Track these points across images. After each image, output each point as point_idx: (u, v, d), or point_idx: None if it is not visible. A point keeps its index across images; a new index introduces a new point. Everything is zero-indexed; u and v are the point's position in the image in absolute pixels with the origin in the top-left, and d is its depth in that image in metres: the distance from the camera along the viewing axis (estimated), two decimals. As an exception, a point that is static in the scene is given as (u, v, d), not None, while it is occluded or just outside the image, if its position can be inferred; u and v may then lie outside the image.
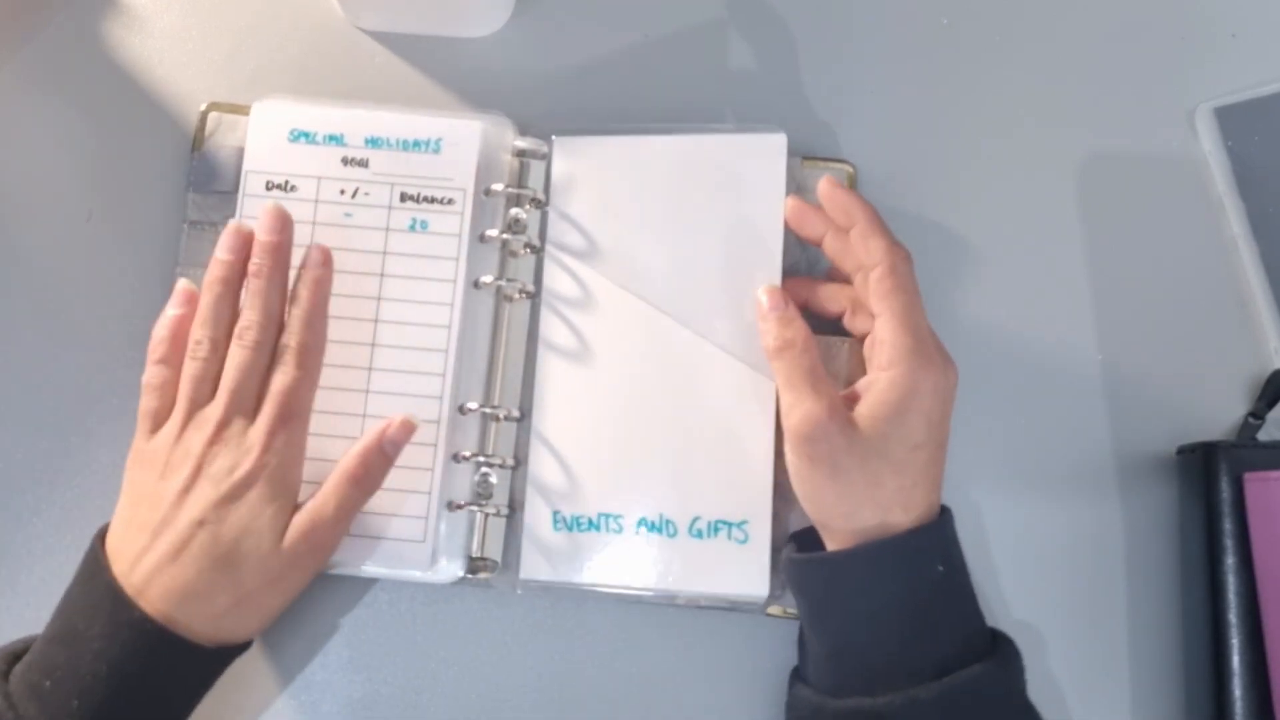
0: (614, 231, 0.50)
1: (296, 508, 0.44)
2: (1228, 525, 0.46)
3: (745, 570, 0.47)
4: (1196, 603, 0.47)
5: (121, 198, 0.52)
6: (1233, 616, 0.45)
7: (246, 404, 0.44)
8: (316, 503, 0.44)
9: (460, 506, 0.48)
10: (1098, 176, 0.52)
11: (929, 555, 0.42)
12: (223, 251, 0.46)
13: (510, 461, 0.49)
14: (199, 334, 0.45)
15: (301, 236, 0.49)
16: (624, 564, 0.47)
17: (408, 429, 0.46)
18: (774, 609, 0.48)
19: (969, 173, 0.53)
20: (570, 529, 0.48)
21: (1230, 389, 0.50)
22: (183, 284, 0.47)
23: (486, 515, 0.48)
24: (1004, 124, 0.53)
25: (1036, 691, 0.42)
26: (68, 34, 0.55)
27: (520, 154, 0.51)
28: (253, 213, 0.49)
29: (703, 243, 0.49)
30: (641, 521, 0.47)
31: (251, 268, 0.46)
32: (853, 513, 0.42)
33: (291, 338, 0.45)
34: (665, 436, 0.48)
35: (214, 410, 0.44)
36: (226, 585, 0.42)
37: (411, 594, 0.50)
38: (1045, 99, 0.53)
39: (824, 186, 0.47)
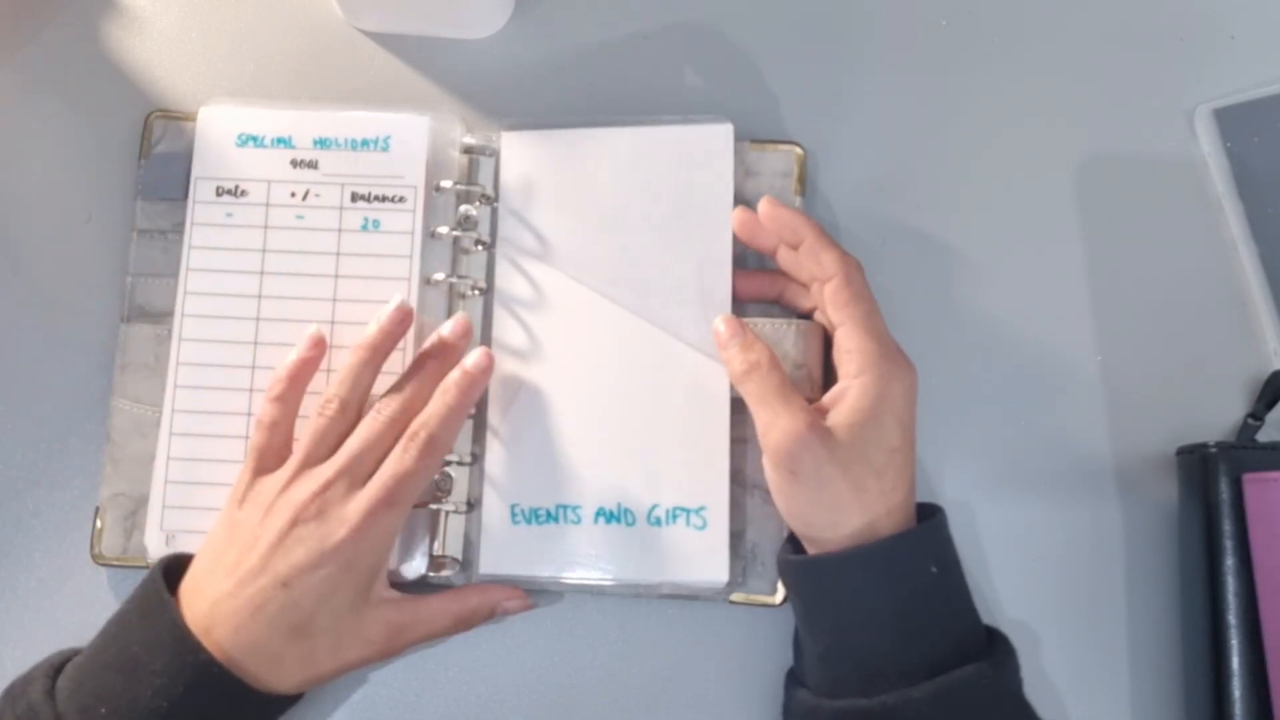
0: (564, 225, 0.50)
1: (396, 600, 0.45)
2: (1227, 526, 0.46)
3: (704, 557, 0.47)
4: (1196, 604, 0.47)
5: (121, 199, 0.52)
6: (1232, 617, 0.45)
7: (360, 474, 0.44)
8: (412, 610, 0.45)
9: (422, 504, 0.48)
10: (1096, 178, 0.52)
11: (922, 556, 0.42)
12: (388, 324, 0.46)
13: (468, 458, 0.49)
14: (335, 392, 0.45)
15: (253, 241, 0.50)
16: (583, 555, 0.47)
17: (523, 606, 0.48)
18: (737, 596, 0.48)
19: (968, 174, 0.53)
20: (529, 522, 0.47)
21: (1229, 390, 0.50)
22: (314, 330, 0.47)
23: (446, 512, 0.48)
24: (1003, 125, 0.53)
25: (1036, 692, 0.42)
26: (66, 35, 0.55)
27: (469, 150, 0.51)
28: (204, 219, 0.50)
29: (652, 234, 0.49)
30: (600, 512, 0.47)
31: (423, 351, 0.47)
32: (839, 521, 0.42)
33: (425, 427, 0.44)
34: (621, 426, 0.48)
35: (327, 470, 0.43)
36: (296, 653, 0.42)
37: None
38: (1044, 100, 0.53)
39: (764, 208, 0.47)
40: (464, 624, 0.46)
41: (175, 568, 0.44)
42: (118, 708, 0.40)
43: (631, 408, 0.48)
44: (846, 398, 0.43)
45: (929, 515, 0.44)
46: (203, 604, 0.42)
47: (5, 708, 0.42)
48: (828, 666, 0.43)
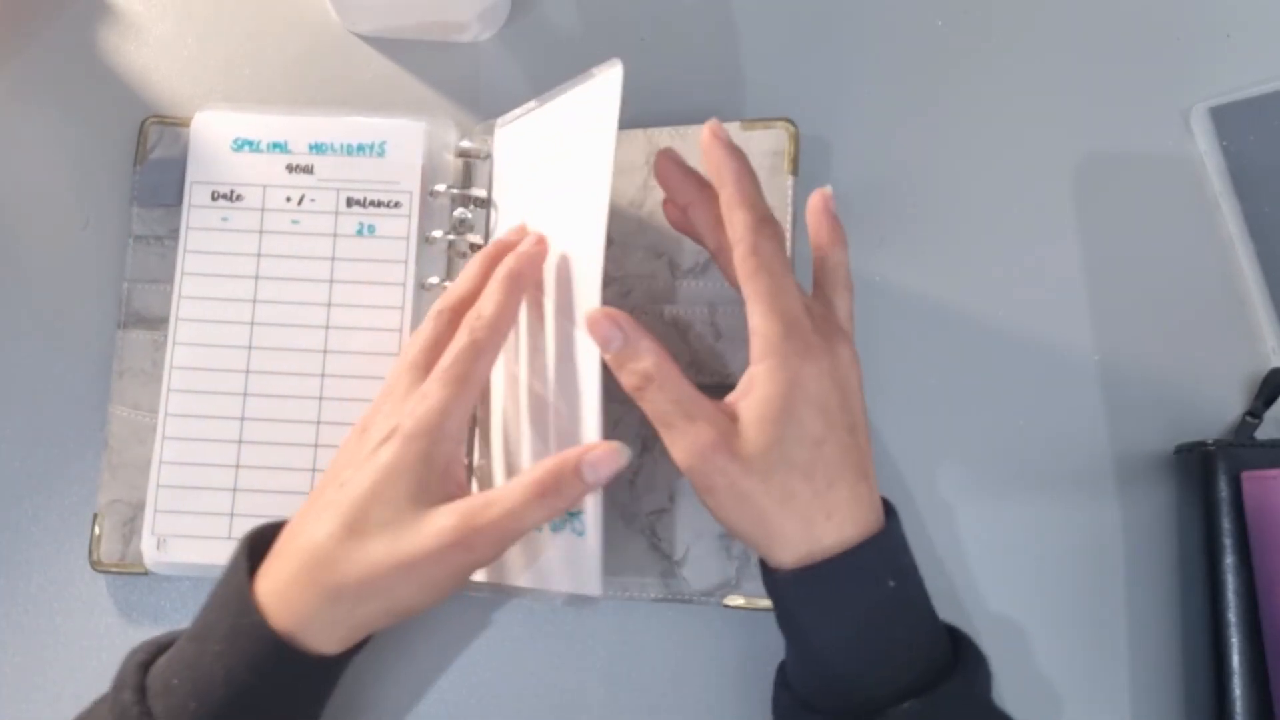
0: (518, 213, 0.48)
1: (464, 494, 0.40)
2: (1226, 524, 0.46)
3: (579, 566, 0.41)
4: (1195, 602, 0.47)
5: (117, 205, 0.52)
6: (1232, 615, 0.45)
7: (425, 365, 0.41)
8: (485, 496, 0.38)
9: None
10: (1093, 177, 0.52)
11: (876, 572, 0.38)
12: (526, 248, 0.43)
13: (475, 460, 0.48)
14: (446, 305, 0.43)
15: (248, 246, 0.50)
16: None
17: (615, 459, 0.38)
18: (734, 599, 0.47)
19: (964, 174, 0.53)
20: None
21: (1228, 388, 0.50)
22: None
23: None
24: (999, 125, 0.53)
25: (1036, 692, 0.42)
26: (62, 41, 0.55)
27: (464, 154, 0.52)
28: (200, 223, 0.50)
29: (547, 216, 0.45)
30: None
31: (480, 251, 0.45)
32: (773, 534, 0.38)
33: (478, 312, 0.41)
34: (522, 424, 0.45)
35: (394, 373, 0.42)
36: (351, 554, 0.37)
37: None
38: (1041, 100, 0.53)
39: (705, 132, 0.41)
40: (548, 495, 0.38)
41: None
42: (186, 678, 0.38)
43: (530, 404, 0.44)
44: (753, 390, 0.38)
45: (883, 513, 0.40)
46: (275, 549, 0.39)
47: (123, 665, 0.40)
48: (801, 680, 0.41)
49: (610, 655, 0.49)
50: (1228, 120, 0.52)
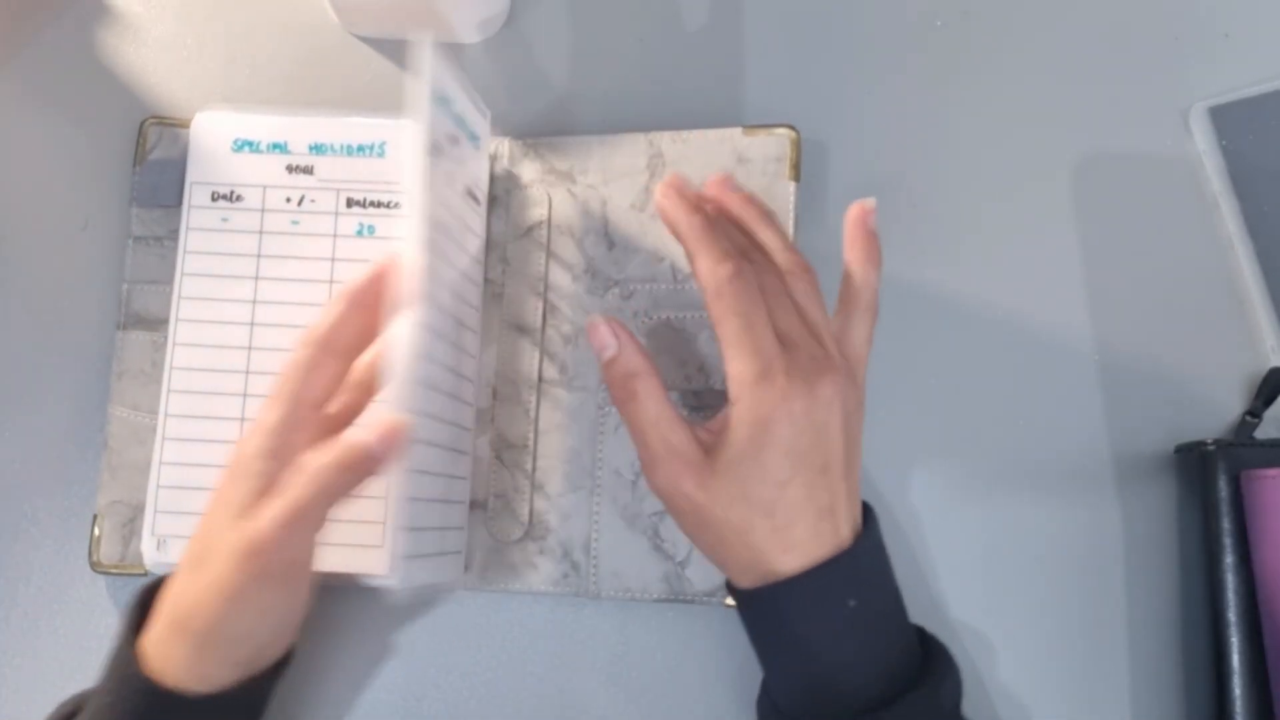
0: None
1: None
2: (1226, 524, 0.46)
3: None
4: (1195, 602, 0.47)
5: (117, 206, 0.52)
6: (1232, 615, 0.45)
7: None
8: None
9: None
10: (1092, 176, 0.52)
11: (831, 593, 0.38)
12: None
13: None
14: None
15: (248, 246, 0.50)
16: None
17: (393, 437, 0.39)
18: (732, 599, 0.47)
19: (964, 175, 0.53)
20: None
21: (1227, 387, 0.50)
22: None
23: None
24: (998, 125, 0.53)
25: (1035, 692, 0.42)
26: (61, 42, 0.55)
27: None
28: (199, 224, 0.49)
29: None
30: None
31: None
32: (730, 560, 0.40)
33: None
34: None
35: None
36: (192, 588, 0.40)
37: (408, 599, 0.50)
38: (1040, 100, 0.53)
39: (658, 196, 0.41)
40: (327, 482, 0.38)
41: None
42: None
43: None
44: (726, 429, 0.39)
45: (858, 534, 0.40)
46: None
47: None
48: (777, 690, 0.42)
49: (612, 655, 0.49)
50: (1227, 120, 0.52)
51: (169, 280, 0.50)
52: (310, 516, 0.39)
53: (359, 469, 0.39)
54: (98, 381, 0.51)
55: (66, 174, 0.53)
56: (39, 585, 0.50)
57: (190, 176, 0.51)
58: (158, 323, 0.50)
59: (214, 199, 0.50)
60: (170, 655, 0.40)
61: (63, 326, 0.52)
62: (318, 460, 0.39)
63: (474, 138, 0.48)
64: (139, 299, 0.51)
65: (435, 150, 0.41)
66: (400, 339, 0.39)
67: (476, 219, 0.49)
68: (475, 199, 0.49)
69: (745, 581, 0.40)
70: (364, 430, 0.39)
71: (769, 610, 0.40)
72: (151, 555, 0.48)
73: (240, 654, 0.41)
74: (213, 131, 0.51)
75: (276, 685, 0.44)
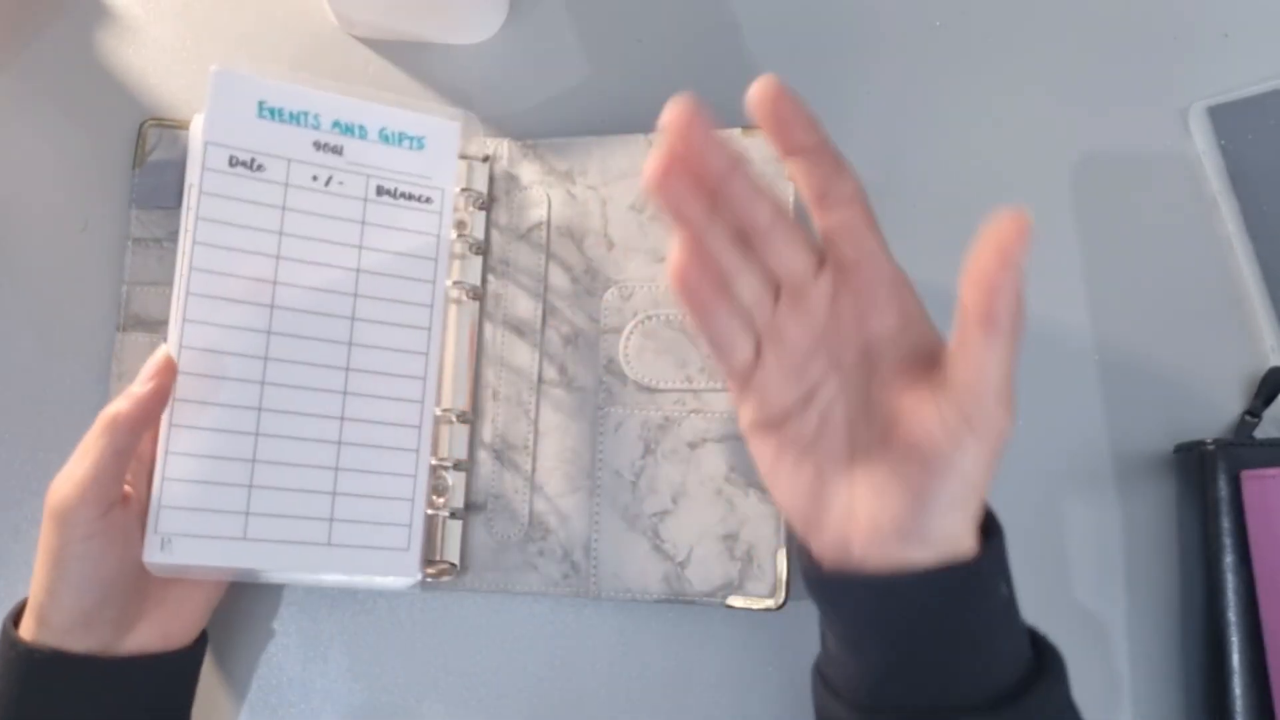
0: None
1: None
2: (1226, 523, 0.46)
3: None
4: (1195, 601, 0.47)
5: (116, 208, 0.52)
6: (1232, 615, 0.45)
7: None
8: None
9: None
10: (1092, 176, 0.52)
11: (994, 578, 0.36)
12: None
13: (464, 463, 0.49)
14: None
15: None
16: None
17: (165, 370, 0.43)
18: (735, 600, 0.47)
19: (963, 174, 0.53)
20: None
21: (1227, 387, 0.50)
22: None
23: (443, 518, 0.48)
24: (998, 126, 0.53)
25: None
26: (60, 44, 0.55)
27: (463, 156, 0.51)
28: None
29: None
30: None
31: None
32: (943, 525, 0.35)
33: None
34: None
35: None
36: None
37: (409, 601, 0.50)
38: (1038, 100, 0.53)
39: (652, 171, 0.39)
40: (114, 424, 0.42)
41: None
42: None
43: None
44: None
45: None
46: None
47: None
48: (869, 686, 0.37)
49: (612, 656, 0.49)
50: (1226, 119, 0.52)
51: (169, 281, 0.50)
52: (101, 463, 0.42)
53: (138, 406, 0.42)
54: (97, 383, 0.51)
55: (66, 175, 0.53)
56: (39, 587, 0.50)
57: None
58: (158, 324, 0.50)
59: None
60: (36, 617, 0.43)
61: (63, 328, 0.52)
62: (103, 412, 0.42)
63: (413, 139, 0.49)
64: (139, 300, 0.51)
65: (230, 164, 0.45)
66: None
67: (406, 215, 0.48)
68: (408, 196, 0.48)
69: (909, 555, 0.35)
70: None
71: (924, 594, 0.35)
72: (154, 554, 0.46)
73: (108, 613, 0.43)
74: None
75: (189, 667, 0.46)
